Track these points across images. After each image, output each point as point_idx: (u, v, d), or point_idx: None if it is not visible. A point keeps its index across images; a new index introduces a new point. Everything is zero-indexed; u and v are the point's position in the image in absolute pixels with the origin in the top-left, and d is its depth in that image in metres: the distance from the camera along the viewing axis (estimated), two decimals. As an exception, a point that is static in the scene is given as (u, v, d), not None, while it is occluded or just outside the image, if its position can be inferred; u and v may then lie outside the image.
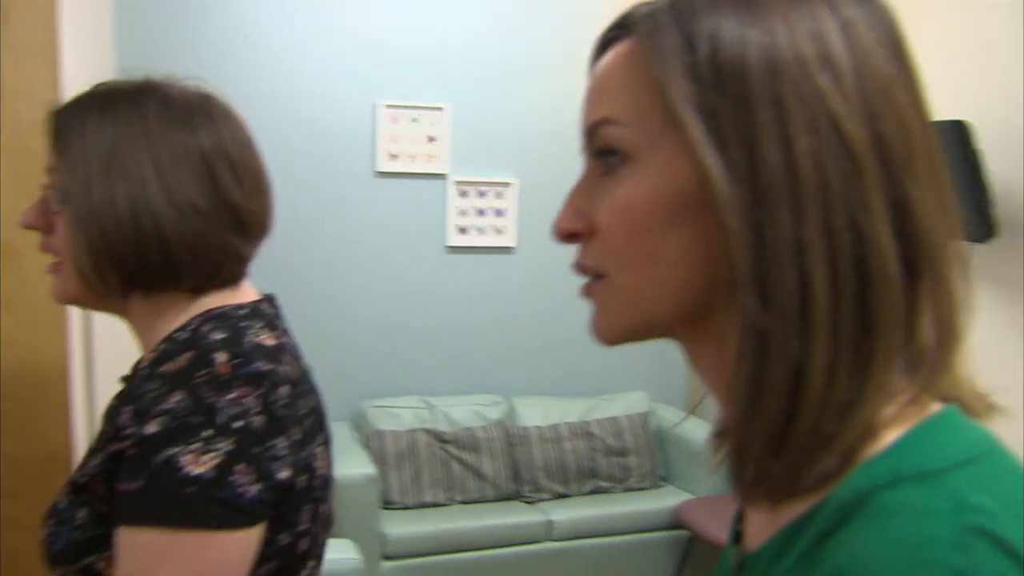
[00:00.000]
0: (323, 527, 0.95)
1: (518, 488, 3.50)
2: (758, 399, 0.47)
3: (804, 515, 0.47)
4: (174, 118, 0.88)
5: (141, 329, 0.93)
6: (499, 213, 3.77)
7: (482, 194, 3.73)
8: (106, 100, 0.90)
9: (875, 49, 0.47)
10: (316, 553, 0.93)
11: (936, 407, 0.49)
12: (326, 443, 0.94)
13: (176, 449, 0.75)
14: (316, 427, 0.90)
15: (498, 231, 3.77)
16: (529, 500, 3.48)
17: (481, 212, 3.74)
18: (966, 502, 0.41)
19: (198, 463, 0.76)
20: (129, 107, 0.88)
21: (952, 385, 0.50)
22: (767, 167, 0.45)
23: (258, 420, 0.79)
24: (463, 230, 3.72)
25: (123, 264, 0.87)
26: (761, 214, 0.46)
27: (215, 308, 0.89)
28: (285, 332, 0.95)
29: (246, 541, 0.79)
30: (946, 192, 0.49)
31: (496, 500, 3.44)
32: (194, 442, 0.76)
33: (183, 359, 0.79)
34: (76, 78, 1.42)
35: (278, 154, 3.36)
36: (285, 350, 0.89)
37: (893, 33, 0.49)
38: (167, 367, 0.79)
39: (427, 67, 3.59)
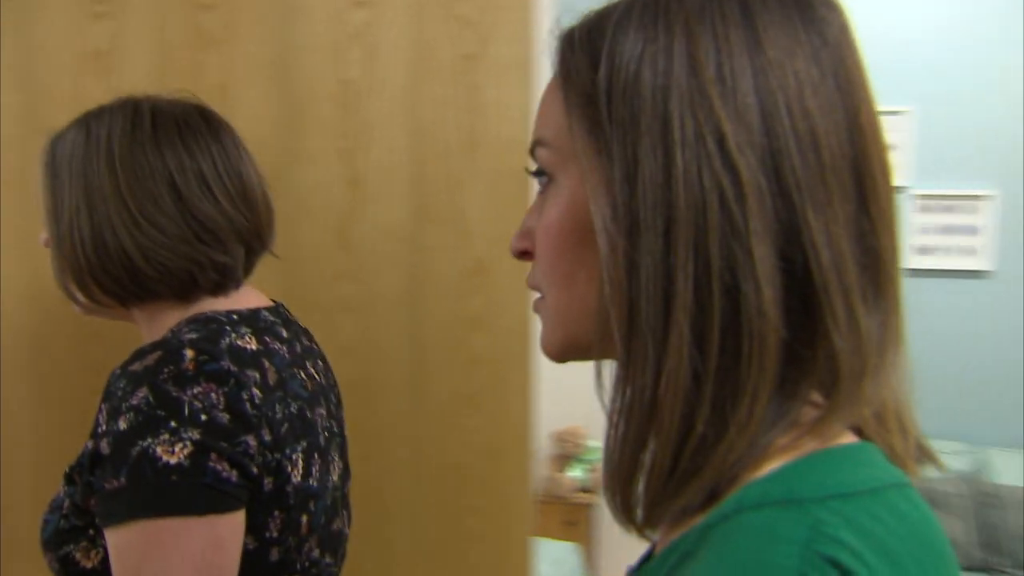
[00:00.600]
0: (318, 543, 0.92)
1: (988, 559, 2.94)
2: (621, 428, 0.46)
3: (678, 539, 0.46)
4: (139, 135, 0.90)
5: (145, 337, 0.95)
6: (970, 231, 3.23)
7: (949, 209, 3.23)
8: (84, 122, 0.93)
9: (789, 56, 0.44)
10: (303, 569, 0.90)
11: (844, 440, 0.46)
12: (313, 452, 0.91)
13: (147, 441, 0.76)
14: (295, 434, 0.88)
15: (968, 252, 3.24)
16: None
17: (947, 230, 3.25)
18: (824, 533, 0.39)
19: (171, 453, 0.76)
20: (99, 127, 0.92)
21: (881, 430, 0.48)
22: (644, 187, 0.44)
23: (224, 416, 0.79)
24: (925, 250, 3.25)
25: (97, 281, 0.90)
26: (634, 237, 0.45)
27: (202, 313, 0.90)
28: (285, 340, 0.94)
29: (236, 524, 0.80)
30: (873, 213, 0.45)
31: (963, 570, 2.92)
32: (163, 433, 0.77)
33: (151, 357, 0.81)
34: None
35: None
36: (271, 355, 0.89)
37: (828, 33, 0.46)
38: (135, 366, 0.81)
39: (887, 67, 3.20)
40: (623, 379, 0.46)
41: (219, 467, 0.78)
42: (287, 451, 0.86)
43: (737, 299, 0.43)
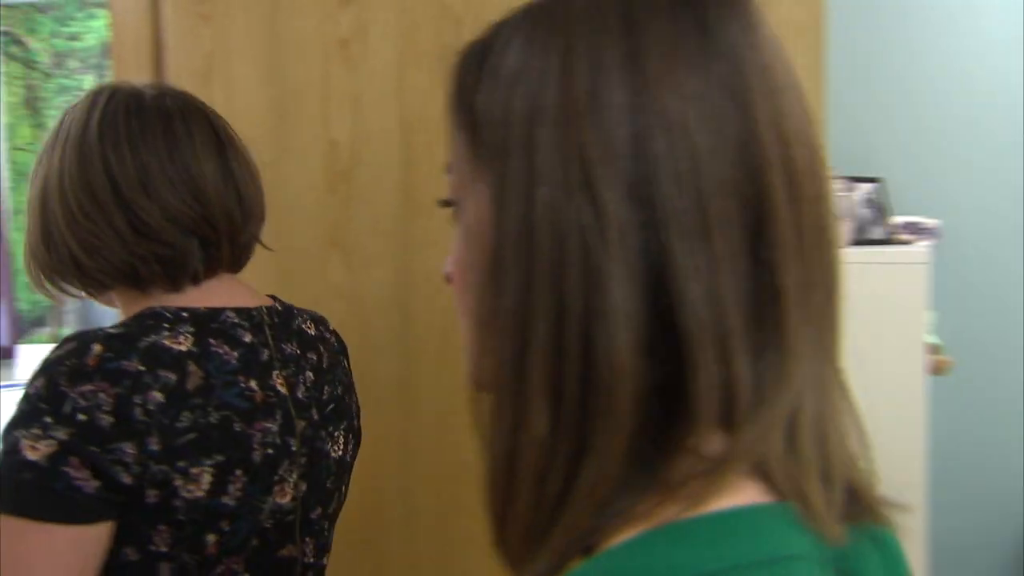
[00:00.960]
0: (246, 567, 0.88)
1: None
2: (489, 472, 0.44)
3: None
4: (88, 125, 0.89)
5: None
6: None
7: None
8: (64, 113, 0.93)
9: (670, 68, 0.40)
10: None
11: (726, 502, 0.40)
12: (233, 468, 0.85)
13: (20, 432, 0.76)
14: (204, 446, 0.83)
15: None
16: None
17: None
18: None
19: (34, 449, 0.75)
20: (67, 117, 0.91)
21: (798, 481, 0.41)
22: (508, 221, 0.41)
23: (106, 419, 0.77)
24: None
25: (56, 272, 0.91)
26: (498, 276, 0.42)
27: (152, 307, 0.87)
28: (243, 345, 0.89)
29: (83, 537, 0.77)
30: (773, 242, 0.40)
31: None
32: (35, 427, 0.76)
33: (65, 347, 0.80)
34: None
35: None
36: (206, 359, 0.85)
37: (722, 38, 0.41)
38: (52, 353, 0.80)
39: None
40: (491, 423, 0.44)
41: (76, 474, 0.76)
42: (180, 463, 0.81)
43: (592, 347, 0.39)
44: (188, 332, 0.86)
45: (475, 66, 0.45)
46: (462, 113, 0.46)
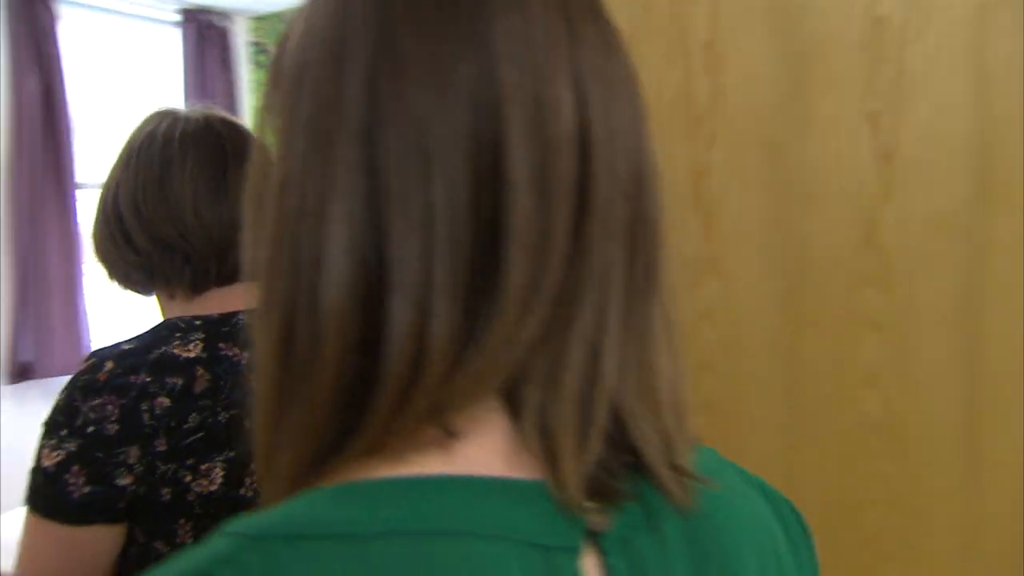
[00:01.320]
0: None
1: None
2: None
3: None
4: (131, 137, 1.01)
5: None
6: None
7: None
8: None
9: (416, 14, 0.40)
10: None
11: (439, 468, 0.39)
12: (244, 462, 0.91)
13: (43, 441, 0.88)
14: (216, 443, 0.90)
15: None
16: None
17: None
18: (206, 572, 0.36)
19: (50, 457, 0.86)
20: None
21: (547, 448, 0.40)
22: (266, 184, 0.43)
23: (113, 427, 0.86)
24: None
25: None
26: (259, 232, 0.43)
27: (169, 318, 0.97)
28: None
29: (79, 537, 0.87)
30: (507, 182, 0.39)
31: None
32: (53, 438, 0.87)
33: (86, 363, 0.90)
34: None
35: None
36: (214, 362, 0.92)
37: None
38: (76, 370, 0.91)
39: None
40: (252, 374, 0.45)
41: (72, 481, 0.86)
42: (189, 461, 0.89)
43: (315, 296, 0.39)
44: (199, 339, 0.94)
45: (288, 28, 0.46)
46: (272, 71, 0.46)
